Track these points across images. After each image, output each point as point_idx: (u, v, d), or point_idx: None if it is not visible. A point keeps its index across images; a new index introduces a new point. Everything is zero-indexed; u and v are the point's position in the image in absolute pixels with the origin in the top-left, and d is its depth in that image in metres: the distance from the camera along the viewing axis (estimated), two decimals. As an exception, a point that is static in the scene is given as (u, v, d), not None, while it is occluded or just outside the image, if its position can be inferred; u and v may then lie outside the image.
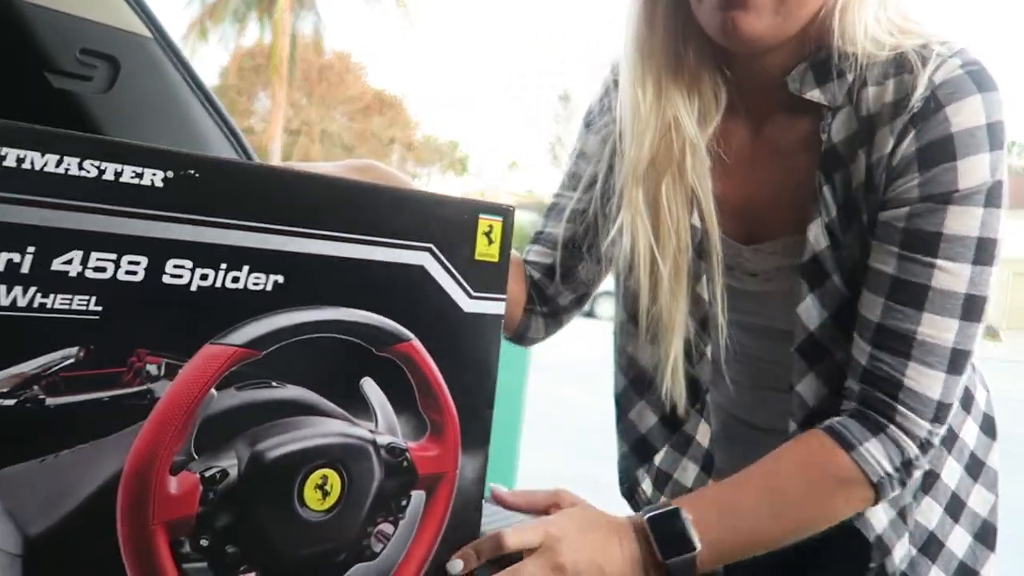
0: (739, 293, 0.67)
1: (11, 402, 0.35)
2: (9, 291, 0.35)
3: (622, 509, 0.65)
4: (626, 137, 0.64)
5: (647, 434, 0.71)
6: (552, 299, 0.74)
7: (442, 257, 0.48)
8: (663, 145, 0.62)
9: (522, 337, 0.76)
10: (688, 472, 0.70)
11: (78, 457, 0.37)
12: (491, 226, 0.50)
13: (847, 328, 0.59)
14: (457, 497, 0.51)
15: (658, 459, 0.71)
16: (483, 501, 0.53)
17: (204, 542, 0.42)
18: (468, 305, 0.50)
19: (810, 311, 0.61)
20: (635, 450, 0.72)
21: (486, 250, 0.50)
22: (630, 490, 0.73)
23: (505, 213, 0.51)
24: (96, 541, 0.38)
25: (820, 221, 0.59)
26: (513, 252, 0.74)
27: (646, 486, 0.72)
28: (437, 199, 0.48)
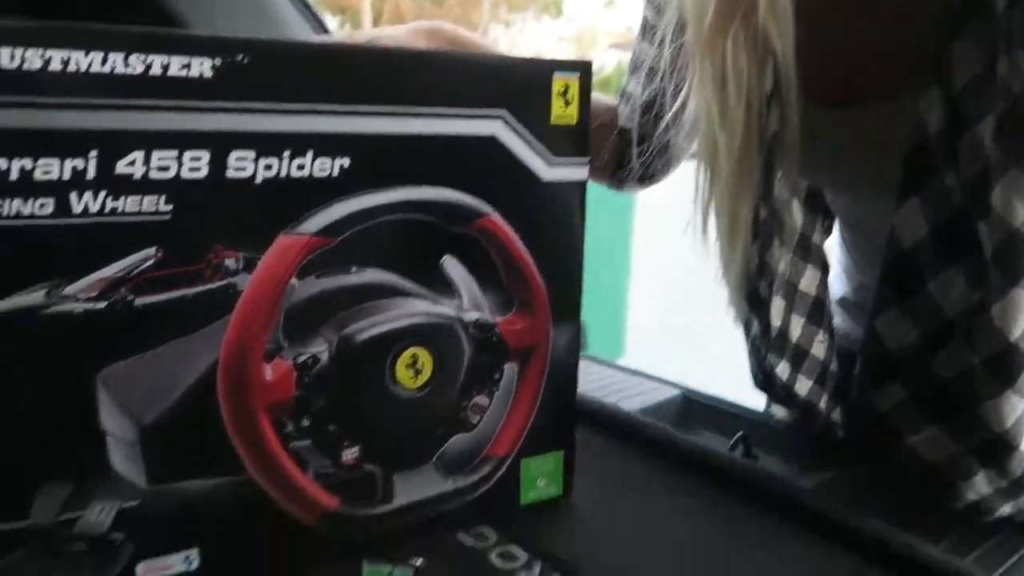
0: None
1: (102, 305, 0.37)
2: (80, 197, 0.35)
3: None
4: None
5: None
6: (637, 165, 0.68)
7: (515, 124, 0.45)
8: None
9: (619, 187, 0.72)
10: (822, 343, 0.65)
11: (174, 351, 0.39)
12: (567, 85, 0.46)
13: (954, 259, 0.47)
14: (551, 367, 0.51)
15: (795, 334, 0.65)
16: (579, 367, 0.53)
17: (305, 423, 0.43)
18: (547, 173, 0.47)
19: (909, 220, 0.49)
20: (765, 334, 0.67)
21: (563, 112, 0.46)
22: (766, 379, 0.69)
23: (581, 69, 0.46)
24: (205, 426, 0.40)
25: (938, 93, 0.46)
26: (605, 100, 0.68)
27: (782, 369, 0.68)
28: (505, 61, 0.44)
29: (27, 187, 0.34)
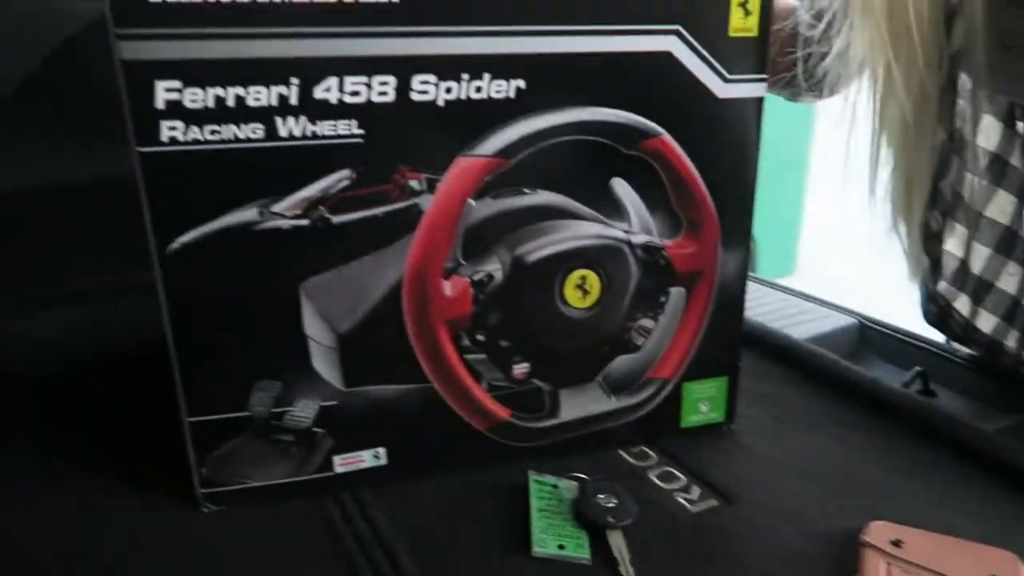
0: None
1: (305, 222, 0.40)
2: (284, 122, 0.39)
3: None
4: None
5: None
6: (810, 74, 0.63)
7: (691, 39, 0.43)
8: None
9: (792, 98, 0.67)
10: (1013, 276, 0.59)
11: (365, 266, 0.42)
12: (748, -5, 0.44)
13: None
14: (718, 292, 0.50)
15: (976, 266, 0.61)
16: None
17: (480, 337, 0.46)
18: (723, 90, 0.45)
19: None
20: (936, 266, 0.62)
21: (742, 24, 0.44)
22: (941, 314, 0.64)
23: (764, -23, 0.44)
24: (393, 335, 0.44)
25: None
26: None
27: (961, 304, 0.63)
28: (682, -28, 0.43)
29: (241, 113, 0.38)
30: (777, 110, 0.49)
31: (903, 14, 0.49)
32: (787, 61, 0.63)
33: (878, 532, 0.42)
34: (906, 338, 0.72)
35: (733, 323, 0.52)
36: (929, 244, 0.61)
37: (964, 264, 0.62)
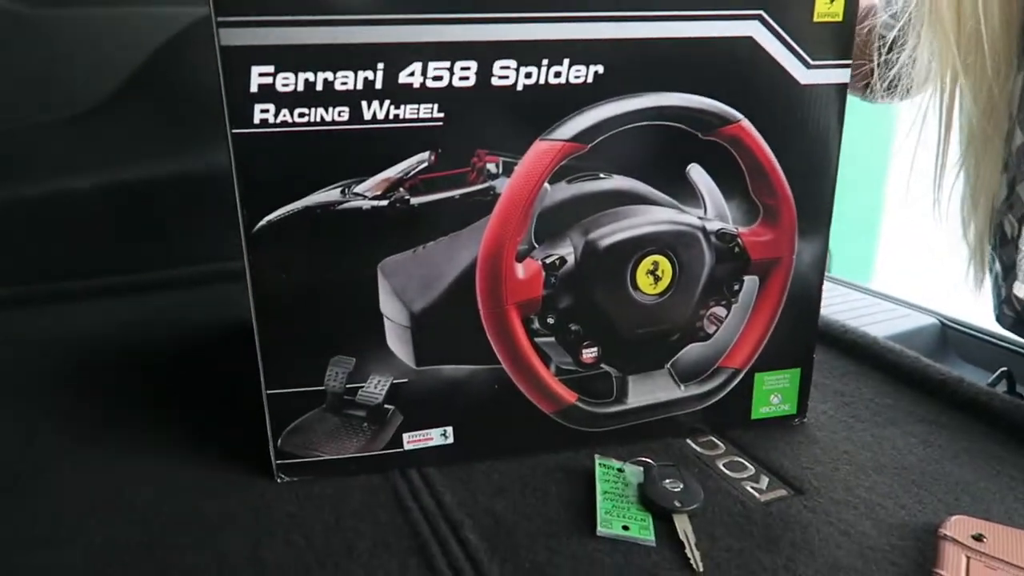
0: None
1: (384, 203, 0.42)
2: (369, 106, 0.40)
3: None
4: None
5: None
6: (886, 75, 0.61)
7: (774, 24, 0.43)
8: None
9: (868, 98, 0.65)
10: None
11: (440, 247, 0.43)
12: (834, -21, 0.43)
13: None
14: (794, 282, 0.49)
15: None
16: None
17: (550, 320, 0.46)
18: (805, 76, 0.44)
19: None
20: (1009, 271, 0.59)
21: (827, 9, 0.43)
22: (1017, 319, 0.61)
23: (852, -39, 0.43)
24: (465, 316, 0.45)
25: None
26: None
27: None
28: (767, -44, 0.42)
29: (328, 96, 0.39)
30: (854, 111, 0.48)
31: (973, 23, 0.47)
32: (865, 64, 0.61)
33: (958, 526, 0.41)
34: (990, 338, 0.70)
35: (808, 314, 0.51)
36: (1006, 249, 0.59)
37: None
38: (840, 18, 0.44)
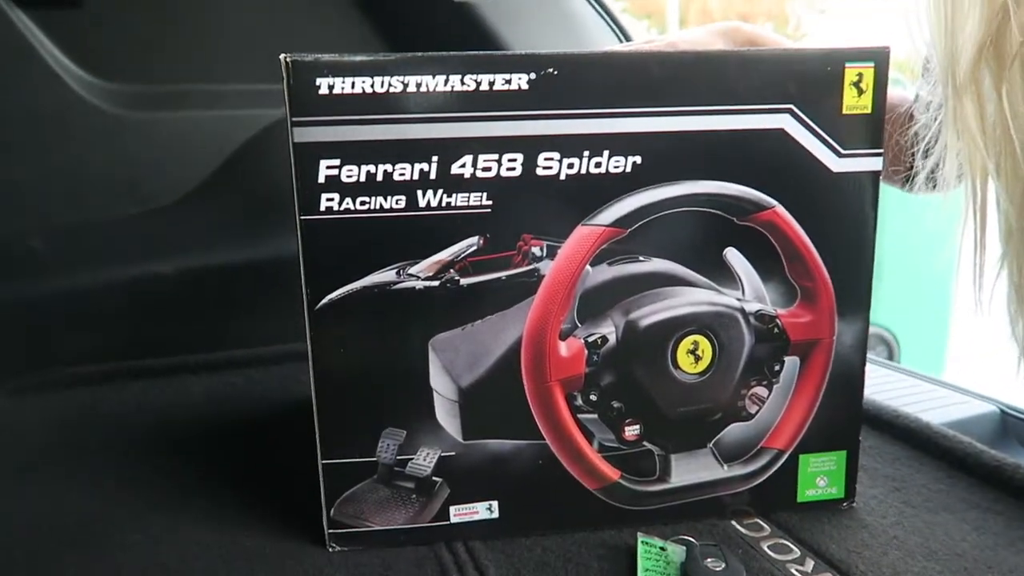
0: None
1: (436, 283, 0.45)
2: (424, 194, 0.43)
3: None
4: (931, 20, 0.44)
5: None
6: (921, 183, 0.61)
7: (804, 117, 0.45)
8: (995, 29, 0.42)
9: (909, 190, 0.66)
10: None
11: (487, 326, 0.46)
12: (860, 74, 0.45)
13: None
14: (835, 363, 0.50)
15: None
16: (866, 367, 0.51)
17: (593, 397, 0.48)
18: (837, 164, 0.46)
19: None
20: None
21: (856, 102, 0.46)
22: None
23: (877, 57, 0.45)
24: (511, 392, 0.47)
25: None
26: (904, 93, 0.64)
27: None
28: (793, 55, 0.45)
29: (387, 186, 0.43)
30: (914, 202, 0.48)
31: (1000, 126, 0.47)
32: (904, 160, 0.62)
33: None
34: (1054, 426, 0.68)
35: (852, 395, 0.51)
36: None
37: None
38: (869, 110, 0.46)
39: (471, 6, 0.94)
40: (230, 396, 0.74)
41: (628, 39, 1.01)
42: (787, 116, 0.45)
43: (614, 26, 0.99)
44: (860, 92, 0.46)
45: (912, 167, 0.62)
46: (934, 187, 0.64)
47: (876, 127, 0.47)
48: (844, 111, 0.46)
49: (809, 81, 0.45)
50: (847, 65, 0.45)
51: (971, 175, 0.50)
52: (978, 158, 0.49)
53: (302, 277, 0.44)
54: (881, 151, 0.47)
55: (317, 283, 0.44)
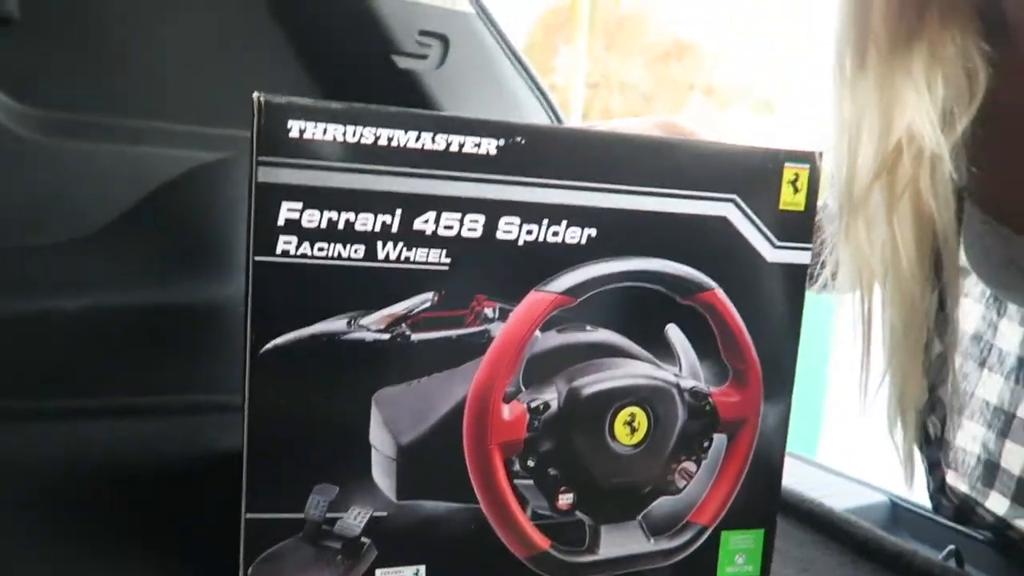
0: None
1: (387, 336, 0.44)
2: (383, 246, 0.43)
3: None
4: (834, 143, 0.49)
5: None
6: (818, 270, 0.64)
7: (745, 208, 0.49)
8: (890, 163, 0.46)
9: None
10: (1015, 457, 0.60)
11: (434, 383, 0.45)
12: (797, 174, 0.49)
13: None
14: (759, 443, 0.52)
15: (1016, 466, 0.59)
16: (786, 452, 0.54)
17: (530, 463, 0.48)
18: (772, 255, 0.50)
19: None
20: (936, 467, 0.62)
21: (791, 199, 0.49)
22: (960, 509, 0.63)
23: (811, 160, 0.50)
24: (450, 452, 0.46)
25: None
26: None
27: (995, 503, 0.62)
28: (739, 150, 0.49)
29: (348, 235, 0.43)
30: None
31: (888, 242, 0.52)
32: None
33: None
34: (936, 518, 0.73)
35: (772, 476, 0.53)
36: (931, 449, 0.62)
37: (994, 464, 0.63)
38: (802, 208, 0.50)
39: (415, 73, 0.96)
40: (137, 446, 0.69)
41: (560, 120, 1.06)
42: (731, 205, 0.49)
43: (547, 107, 1.03)
44: (796, 191, 0.49)
45: (814, 268, 0.67)
46: (827, 289, 0.68)
47: (807, 224, 0.50)
48: (781, 206, 0.49)
49: (752, 176, 0.49)
50: (786, 165, 0.49)
51: (860, 284, 0.55)
52: (867, 271, 0.53)
53: (247, 320, 0.43)
54: (810, 246, 0.51)
55: (263, 327, 0.43)
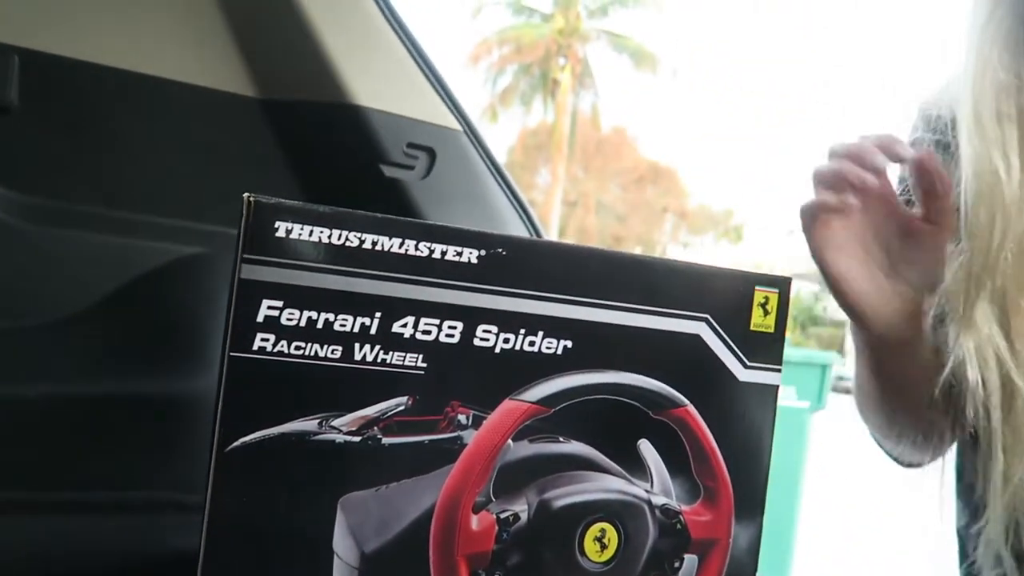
0: None
1: (357, 439, 0.44)
2: (361, 348, 0.44)
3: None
4: (972, 217, 0.45)
5: None
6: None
7: (718, 327, 0.50)
8: None
9: None
10: None
11: (403, 489, 0.45)
12: (767, 297, 0.51)
13: None
14: (730, 565, 0.51)
15: None
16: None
17: (497, 577, 0.47)
18: (743, 374, 0.51)
19: None
20: None
21: (762, 321, 0.51)
22: None
23: (781, 285, 0.51)
24: (414, 563, 0.45)
25: None
26: None
27: None
28: (713, 271, 0.51)
29: (326, 335, 0.43)
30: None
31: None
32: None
33: None
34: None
35: (743, 601, 0.52)
36: None
37: None
38: (772, 330, 0.51)
39: (400, 182, 0.99)
40: (90, 543, 0.66)
41: (539, 234, 1.09)
42: (703, 324, 0.50)
43: (527, 221, 1.06)
44: (766, 313, 0.51)
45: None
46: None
47: (777, 346, 0.52)
48: (752, 327, 0.51)
49: (725, 296, 0.50)
50: (756, 288, 0.51)
51: (983, 384, 0.49)
52: (993, 365, 0.47)
53: (217, 415, 0.42)
54: (779, 368, 0.52)
55: (232, 424, 0.42)
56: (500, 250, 0.46)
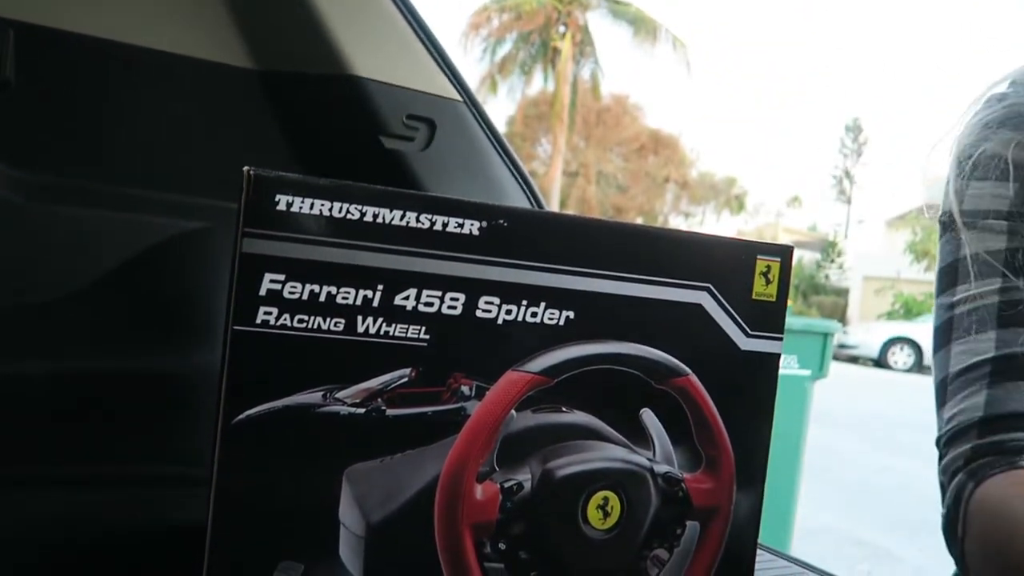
0: None
1: (362, 411, 0.44)
2: (363, 321, 0.44)
3: None
4: None
5: None
6: None
7: (720, 296, 0.50)
8: None
9: None
10: None
11: (407, 460, 0.45)
12: (769, 266, 0.51)
13: None
14: (731, 532, 0.52)
15: None
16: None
17: (501, 546, 0.47)
18: (745, 343, 0.51)
19: None
20: None
21: (764, 290, 0.51)
22: None
23: (782, 253, 0.51)
24: (420, 532, 0.45)
25: None
26: None
27: None
28: (715, 240, 0.51)
29: (328, 308, 0.43)
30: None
31: None
32: None
33: None
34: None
35: (745, 565, 0.53)
36: None
37: None
38: (773, 298, 0.51)
39: (400, 153, 0.98)
40: (96, 517, 0.67)
41: (540, 205, 1.08)
42: (705, 294, 0.50)
43: (528, 192, 1.06)
44: (768, 282, 0.51)
45: None
46: None
47: (779, 314, 0.52)
48: (753, 296, 0.51)
49: (726, 266, 0.50)
50: (758, 257, 0.51)
51: None
52: None
53: (221, 390, 0.43)
54: (781, 336, 0.52)
55: (237, 397, 0.43)
56: (502, 221, 0.46)
